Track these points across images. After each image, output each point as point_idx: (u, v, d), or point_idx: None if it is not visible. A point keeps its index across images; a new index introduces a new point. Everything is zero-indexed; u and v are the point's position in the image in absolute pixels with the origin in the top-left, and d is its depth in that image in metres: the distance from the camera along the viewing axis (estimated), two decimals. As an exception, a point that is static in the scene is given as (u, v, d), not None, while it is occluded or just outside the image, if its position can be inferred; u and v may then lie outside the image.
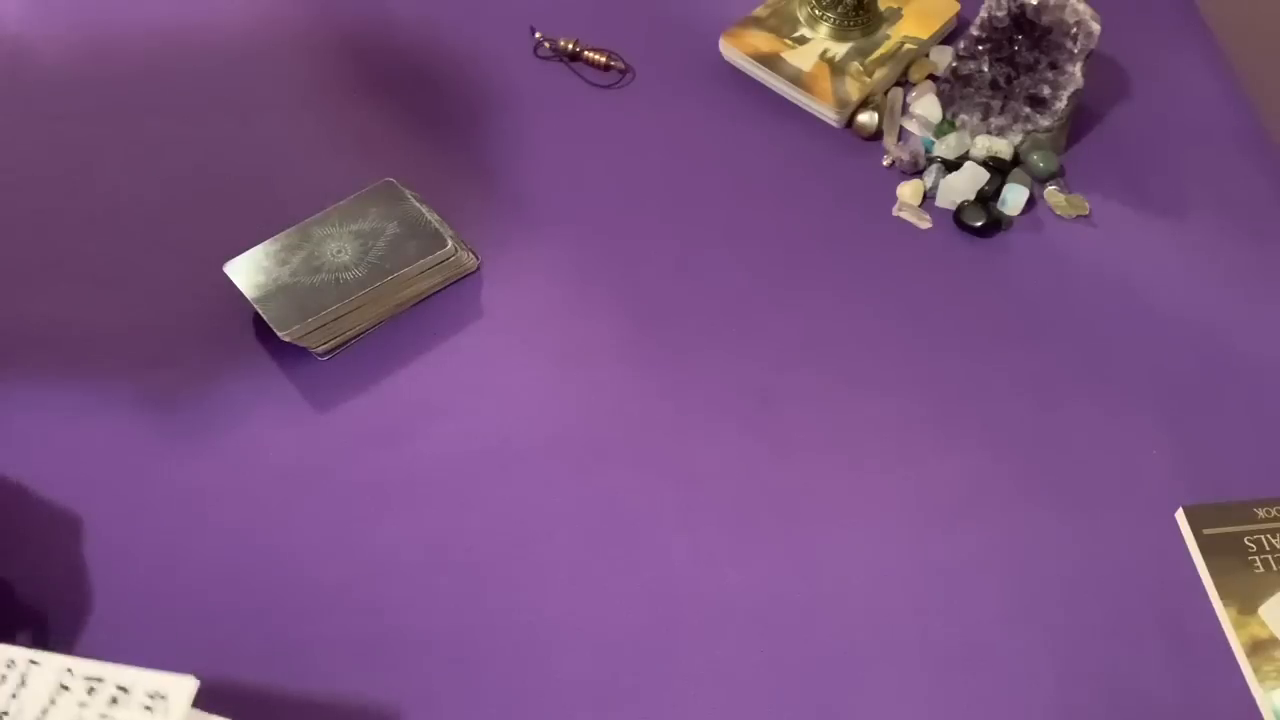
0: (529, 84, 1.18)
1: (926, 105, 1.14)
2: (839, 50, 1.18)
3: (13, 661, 0.71)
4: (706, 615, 0.87)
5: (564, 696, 0.83)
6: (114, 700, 0.70)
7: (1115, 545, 0.90)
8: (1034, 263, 1.06)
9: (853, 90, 1.15)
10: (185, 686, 0.70)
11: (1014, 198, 1.08)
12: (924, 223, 1.08)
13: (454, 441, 0.94)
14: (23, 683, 0.71)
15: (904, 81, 1.18)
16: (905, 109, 1.15)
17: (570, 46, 1.19)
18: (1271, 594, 0.87)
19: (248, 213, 1.06)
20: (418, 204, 1.04)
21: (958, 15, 1.22)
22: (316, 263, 0.99)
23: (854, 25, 1.18)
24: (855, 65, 1.17)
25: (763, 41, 1.18)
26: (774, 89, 1.17)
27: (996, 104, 1.12)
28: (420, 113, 1.15)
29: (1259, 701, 0.83)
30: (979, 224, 1.07)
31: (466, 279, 1.04)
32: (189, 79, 1.17)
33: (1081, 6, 1.05)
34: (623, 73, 1.19)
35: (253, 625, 0.86)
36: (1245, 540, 0.89)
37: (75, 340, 0.99)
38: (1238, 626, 0.85)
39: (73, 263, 1.04)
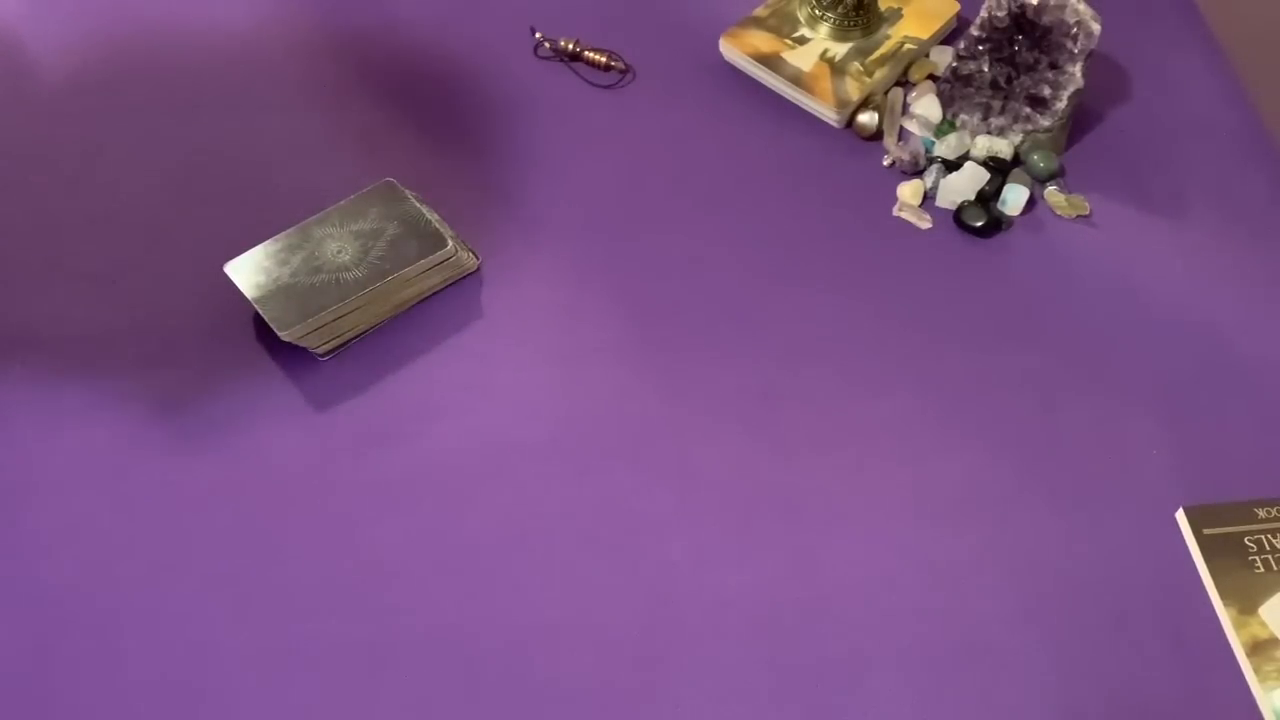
0: (529, 84, 1.18)
1: (926, 105, 1.14)
2: (839, 50, 1.18)
3: None
4: (706, 615, 0.87)
5: (564, 697, 0.83)
6: None
7: (1115, 545, 0.90)
8: (1034, 263, 1.06)
9: (853, 90, 1.15)
10: None
11: (1014, 198, 1.08)
12: (924, 223, 1.08)
13: (454, 441, 0.94)
14: None
15: (904, 81, 1.18)
16: (905, 109, 1.15)
17: (570, 46, 1.19)
18: (1271, 594, 0.87)
19: (248, 213, 1.06)
20: (418, 204, 1.04)
21: (958, 15, 1.21)
22: (317, 263, 0.99)
23: (854, 25, 1.18)
24: (855, 65, 1.17)
25: (763, 41, 1.18)
26: (774, 89, 1.17)
27: (996, 104, 1.12)
28: (420, 113, 1.15)
29: (1259, 701, 0.83)
30: (979, 224, 1.07)
31: (466, 279, 1.04)
32: (190, 78, 1.17)
33: (1081, 6, 1.05)
34: (623, 73, 1.19)
35: (252, 624, 0.86)
36: (1245, 540, 0.89)
37: (75, 340, 0.99)
38: (1238, 626, 0.85)
39: (73, 263, 1.04)
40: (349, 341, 0.99)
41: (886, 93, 1.17)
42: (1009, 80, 1.11)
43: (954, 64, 1.12)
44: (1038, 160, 1.10)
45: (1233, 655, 0.85)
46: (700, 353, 1.00)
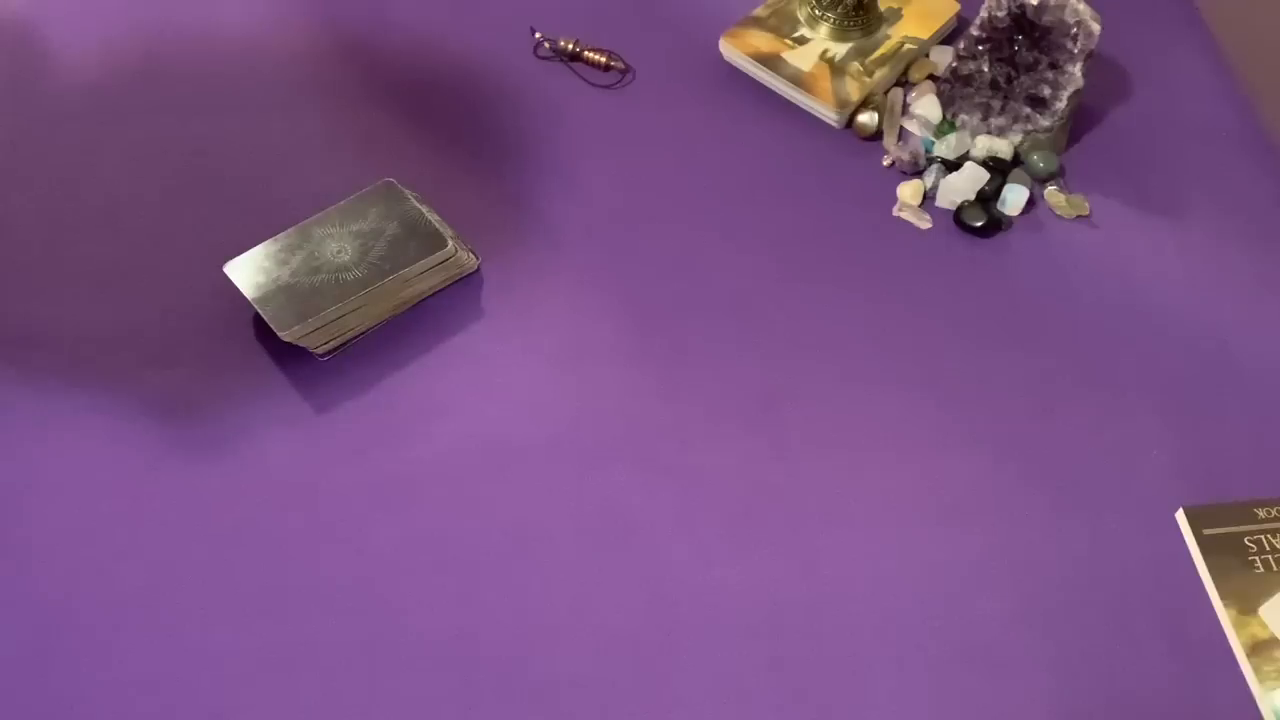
0: (529, 84, 1.18)
1: (926, 105, 1.14)
2: (839, 50, 1.18)
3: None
4: (706, 615, 0.87)
5: (564, 696, 0.83)
6: None
7: (1115, 545, 0.90)
8: (1034, 263, 1.06)
9: (853, 90, 1.15)
10: None
11: (1014, 198, 1.08)
12: (924, 223, 1.08)
13: (454, 441, 0.94)
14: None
15: (904, 81, 1.18)
16: (905, 109, 1.15)
17: (570, 46, 1.19)
18: (1271, 594, 0.87)
19: (248, 213, 1.06)
20: (418, 204, 1.04)
21: (958, 15, 1.21)
22: (316, 263, 0.99)
23: (854, 25, 1.18)
24: (855, 65, 1.17)
25: (763, 41, 1.18)
26: (774, 89, 1.17)
27: (996, 104, 1.12)
28: (420, 113, 1.15)
29: (1259, 701, 0.83)
30: (979, 224, 1.07)
31: (466, 279, 1.04)
32: (190, 79, 1.17)
33: (1081, 6, 1.05)
34: (623, 73, 1.19)
35: (252, 625, 0.86)
36: (1245, 540, 0.89)
37: (75, 340, 0.99)
38: (1238, 626, 0.85)
39: (73, 263, 1.04)
40: (349, 341, 0.99)
41: (886, 93, 1.17)
42: (1009, 80, 1.11)
43: (954, 64, 1.12)
44: (1037, 160, 1.10)
45: (1233, 655, 0.85)
46: (700, 352, 1.00)
